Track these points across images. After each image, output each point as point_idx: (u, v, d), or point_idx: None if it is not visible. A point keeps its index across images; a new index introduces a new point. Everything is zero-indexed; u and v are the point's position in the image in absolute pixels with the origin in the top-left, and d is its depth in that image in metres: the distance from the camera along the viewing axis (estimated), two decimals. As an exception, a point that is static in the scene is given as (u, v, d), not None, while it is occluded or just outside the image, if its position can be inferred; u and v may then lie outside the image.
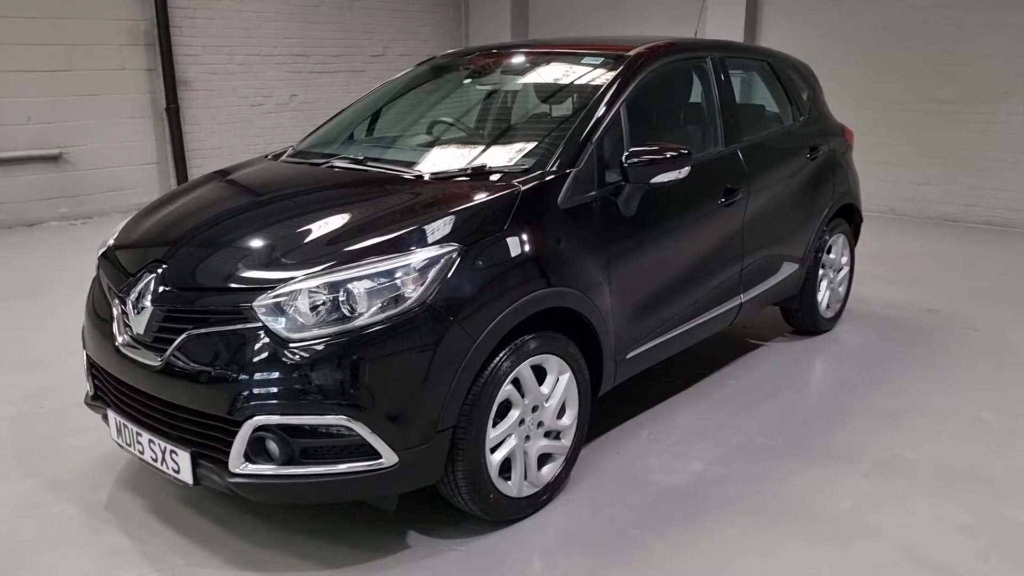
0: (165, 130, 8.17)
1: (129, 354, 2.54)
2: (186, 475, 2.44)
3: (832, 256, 4.54)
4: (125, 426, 2.62)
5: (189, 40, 8.22)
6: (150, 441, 2.52)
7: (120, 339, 2.59)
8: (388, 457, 2.33)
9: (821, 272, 4.45)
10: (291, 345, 2.30)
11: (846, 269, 4.72)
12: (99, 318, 2.77)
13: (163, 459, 2.49)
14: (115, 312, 2.66)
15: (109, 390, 2.73)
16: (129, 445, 2.63)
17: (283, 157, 3.51)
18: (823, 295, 4.51)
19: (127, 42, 7.80)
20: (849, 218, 4.68)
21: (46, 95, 7.33)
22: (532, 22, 10.57)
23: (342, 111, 3.85)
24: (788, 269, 4.15)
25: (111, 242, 2.97)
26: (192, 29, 8.23)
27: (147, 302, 2.52)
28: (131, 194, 8.06)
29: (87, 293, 2.97)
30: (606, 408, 3.44)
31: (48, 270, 5.91)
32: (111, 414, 2.70)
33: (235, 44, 8.65)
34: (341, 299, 2.34)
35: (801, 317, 4.48)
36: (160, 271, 2.56)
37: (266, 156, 3.61)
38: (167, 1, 7.85)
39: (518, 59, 3.80)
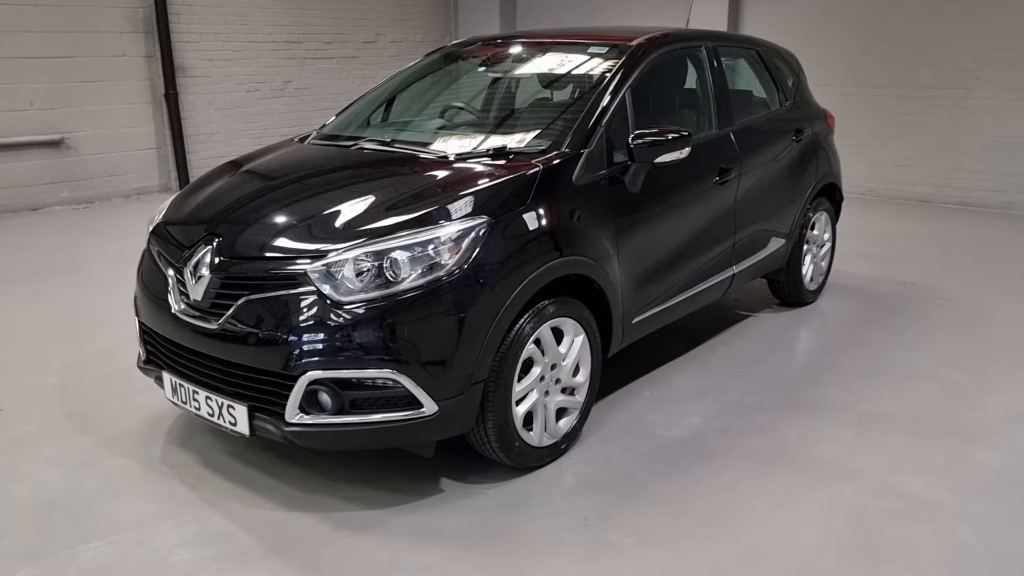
0: (164, 116, 8.33)
1: (187, 319, 2.79)
2: (243, 427, 2.70)
3: (815, 232, 4.87)
4: (181, 386, 2.87)
5: (187, 27, 8.37)
6: (207, 398, 2.78)
7: (177, 306, 2.84)
8: (429, 406, 2.62)
9: (805, 247, 4.77)
10: (343, 307, 2.57)
11: (828, 245, 5.05)
12: (153, 288, 3.01)
13: (220, 414, 2.75)
14: (171, 282, 2.90)
15: (164, 354, 2.98)
16: (185, 403, 2.88)
17: (309, 140, 3.76)
18: (807, 268, 4.84)
19: (127, 29, 7.95)
20: (831, 197, 5.01)
21: (48, 81, 7.47)
22: (520, 9, 10.78)
23: (361, 97, 4.09)
24: (775, 244, 4.47)
25: (159, 219, 3.21)
26: (190, 16, 8.39)
27: (204, 271, 2.76)
28: (131, 179, 8.24)
29: (138, 265, 3.20)
30: (611, 372, 3.73)
31: (57, 253, 6.09)
32: (166, 375, 2.95)
33: (230, 31, 8.81)
34: (385, 266, 2.61)
35: (787, 289, 4.80)
36: (216, 243, 2.81)
37: (292, 139, 3.85)
38: (166, -12, 8.01)
39: (527, 49, 4.06)
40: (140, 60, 8.12)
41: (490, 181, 2.91)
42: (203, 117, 8.71)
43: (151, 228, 3.19)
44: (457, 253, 2.66)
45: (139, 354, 3.18)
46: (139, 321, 3.13)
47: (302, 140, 3.79)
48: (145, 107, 8.25)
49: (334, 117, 3.97)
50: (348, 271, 2.61)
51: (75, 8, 7.53)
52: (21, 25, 7.20)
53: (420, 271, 2.62)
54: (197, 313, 2.78)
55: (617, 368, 3.81)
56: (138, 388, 3.53)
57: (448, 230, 2.68)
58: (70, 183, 7.80)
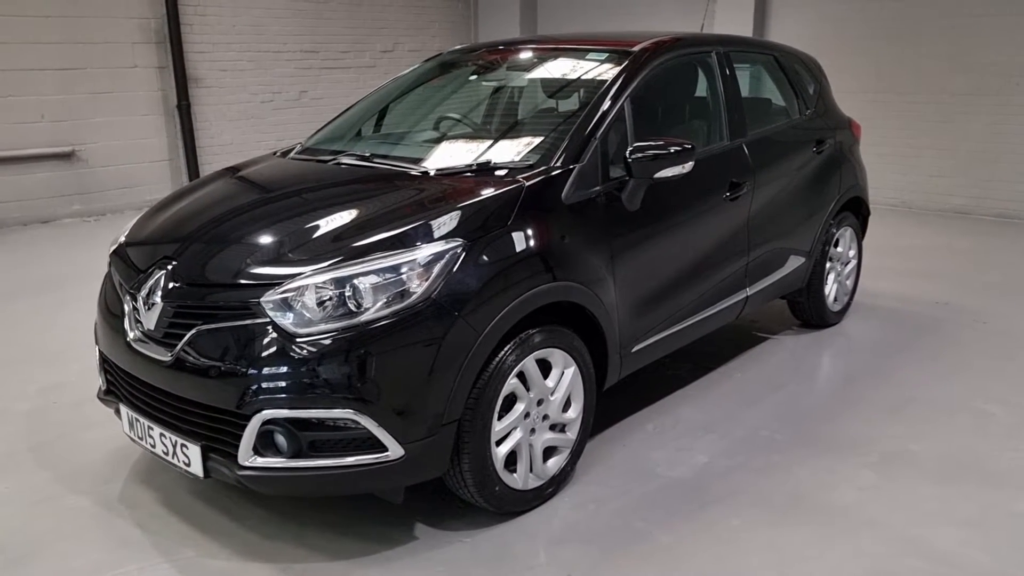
0: (177, 127, 8.23)
1: (140, 349, 2.58)
2: (196, 468, 2.48)
3: (839, 249, 4.54)
4: (137, 420, 2.67)
5: (200, 37, 8.27)
6: (161, 435, 2.56)
7: (132, 335, 2.63)
8: (394, 450, 2.37)
9: (828, 265, 4.45)
10: (298, 340, 2.34)
11: (854, 262, 4.72)
12: (111, 314, 2.81)
13: (174, 452, 2.54)
14: (127, 308, 2.70)
15: (121, 385, 2.78)
16: (141, 439, 2.67)
17: (291, 154, 3.55)
18: (830, 288, 4.51)
19: (139, 40, 7.86)
20: (856, 211, 4.68)
21: (59, 93, 7.40)
22: (541, 16, 10.56)
23: (349, 108, 3.88)
24: (794, 263, 4.16)
25: (122, 239, 3.02)
26: (203, 26, 8.28)
27: (157, 298, 2.56)
28: (143, 191, 8.13)
29: (100, 289, 3.01)
30: (612, 401, 3.46)
31: (62, 266, 5.98)
32: (123, 409, 2.74)
33: (245, 41, 8.70)
34: (347, 294, 2.37)
35: (808, 310, 4.48)
36: (170, 267, 2.60)
37: (274, 153, 3.64)
38: (178, -2, 7.91)
39: (523, 55, 3.82)
40: (152, 71, 8.02)
41: (468, 200, 2.66)
42: (216, 128, 8.60)
43: (112, 249, 3.00)
44: (427, 280, 2.42)
45: (100, 384, 2.98)
46: (99, 349, 2.93)
47: (284, 154, 3.58)
48: (157, 118, 8.16)
49: (317, 130, 3.76)
50: (308, 300, 2.38)
51: (86, 19, 7.45)
52: (31, 36, 7.13)
53: (386, 299, 2.38)
54: (150, 343, 2.57)
55: (619, 397, 3.54)
56: (108, 417, 3.31)
57: (417, 254, 2.44)
58: (81, 195, 7.71)
